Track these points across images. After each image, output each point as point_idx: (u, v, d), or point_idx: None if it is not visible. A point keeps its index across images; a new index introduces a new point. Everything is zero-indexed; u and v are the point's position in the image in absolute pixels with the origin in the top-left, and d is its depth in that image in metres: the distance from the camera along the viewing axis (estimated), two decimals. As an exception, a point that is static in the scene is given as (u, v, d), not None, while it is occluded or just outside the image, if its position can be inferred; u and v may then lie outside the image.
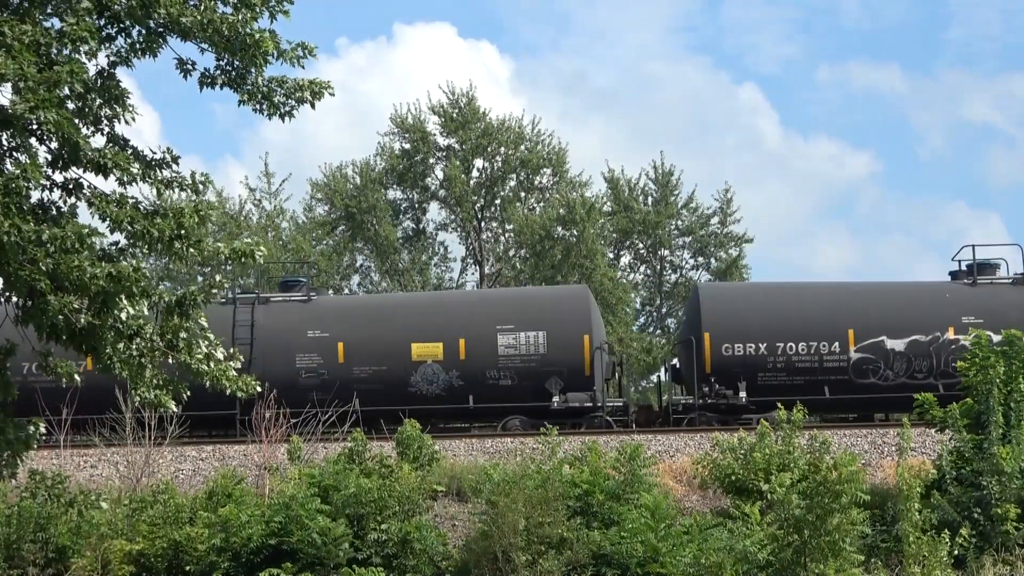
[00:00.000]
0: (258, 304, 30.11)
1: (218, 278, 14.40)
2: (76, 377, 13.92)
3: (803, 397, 24.10)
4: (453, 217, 48.38)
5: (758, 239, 68.11)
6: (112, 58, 13.78)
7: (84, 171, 13.36)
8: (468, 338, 29.31)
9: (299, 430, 23.70)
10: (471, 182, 47.87)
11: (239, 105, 14.04)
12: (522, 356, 29.28)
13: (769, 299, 30.52)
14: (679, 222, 48.65)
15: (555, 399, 28.78)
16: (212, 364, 13.73)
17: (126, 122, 13.70)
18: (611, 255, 48.09)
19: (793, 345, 29.24)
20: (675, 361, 31.43)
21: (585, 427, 27.99)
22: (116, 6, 13.57)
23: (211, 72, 14.00)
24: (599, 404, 28.89)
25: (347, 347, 29.23)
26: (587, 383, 29.07)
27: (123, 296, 12.94)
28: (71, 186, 13.60)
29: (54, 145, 13.27)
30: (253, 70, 13.86)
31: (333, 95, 14.09)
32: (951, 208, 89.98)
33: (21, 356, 14.52)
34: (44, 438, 15.31)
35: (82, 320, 13.03)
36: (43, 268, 12.68)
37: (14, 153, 13.37)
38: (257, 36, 13.67)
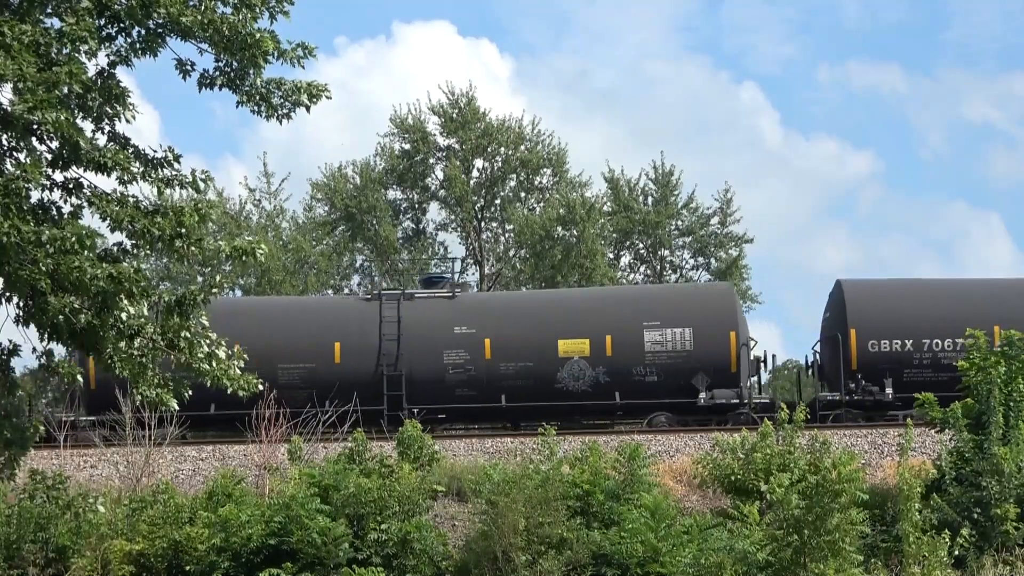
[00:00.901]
0: (403, 300, 30.03)
1: (218, 279, 14.42)
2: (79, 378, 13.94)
3: (949, 394, 24.02)
4: (453, 217, 48.38)
5: (759, 239, 68.03)
6: (112, 58, 13.78)
7: (85, 170, 13.37)
8: (615, 334, 29.28)
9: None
10: (471, 182, 47.86)
11: (237, 106, 14.04)
12: (668, 353, 29.29)
13: (915, 295, 30.40)
14: (679, 222, 48.61)
15: (701, 395, 28.81)
16: (214, 363, 13.72)
17: (127, 121, 13.71)
18: (611, 255, 48.07)
19: (940, 342, 29.14)
20: (815, 358, 31.27)
21: (731, 424, 27.80)
22: (116, 6, 13.56)
23: (210, 73, 14.00)
24: (745, 400, 28.85)
25: (494, 343, 29.21)
26: (733, 379, 29.12)
27: (123, 296, 12.94)
28: (71, 186, 13.60)
29: (55, 145, 13.28)
30: (252, 71, 13.85)
31: (330, 98, 14.09)
32: (951, 208, 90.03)
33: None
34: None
35: (82, 320, 13.03)
36: (43, 268, 12.68)
37: (14, 153, 13.37)
38: (257, 36, 13.67)
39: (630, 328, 29.35)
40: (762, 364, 30.49)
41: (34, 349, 13.81)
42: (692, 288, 31.20)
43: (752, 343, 29.89)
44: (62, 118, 12.73)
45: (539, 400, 28.77)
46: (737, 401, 28.85)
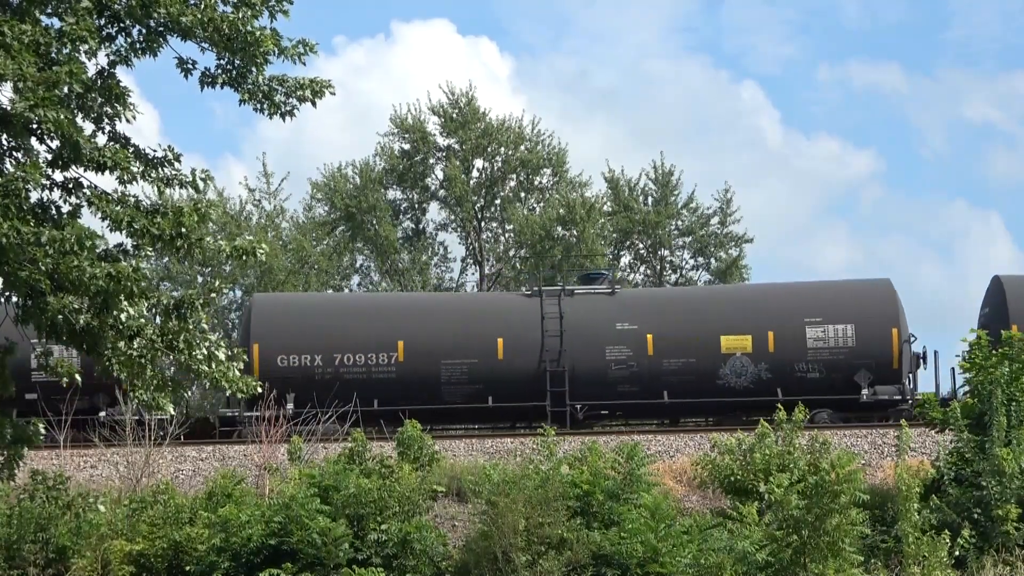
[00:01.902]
0: (564, 296, 30.03)
1: (217, 283, 14.42)
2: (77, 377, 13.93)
3: None
4: (453, 217, 48.37)
5: (759, 238, 67.97)
6: (112, 57, 13.78)
7: (85, 170, 13.37)
8: (777, 331, 29.30)
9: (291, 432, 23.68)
10: (471, 182, 47.86)
11: (240, 104, 14.07)
12: (831, 349, 29.26)
13: None
14: (679, 222, 48.60)
15: (864, 392, 28.82)
16: (213, 365, 13.72)
17: (127, 120, 13.72)
18: (611, 255, 48.06)
19: None
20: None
21: (892, 420, 27.71)
22: (116, 5, 13.58)
23: (211, 71, 14.00)
24: (907, 397, 28.79)
25: (656, 339, 29.21)
26: (895, 376, 29.14)
27: (123, 297, 12.94)
28: (71, 185, 13.60)
29: (55, 144, 13.28)
30: (254, 69, 13.85)
31: (334, 94, 14.11)
32: (951, 207, 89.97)
33: None
34: None
35: (81, 320, 13.03)
36: (43, 268, 12.68)
37: (14, 153, 13.38)
38: (257, 34, 13.67)
39: (792, 324, 29.36)
40: (921, 361, 30.40)
41: (33, 348, 13.81)
42: (853, 284, 31.10)
43: (912, 339, 29.83)
44: (62, 117, 12.74)
45: (700, 396, 28.90)
46: (899, 398, 28.82)
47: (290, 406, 27.02)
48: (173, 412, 14.15)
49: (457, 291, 46.87)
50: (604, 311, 29.74)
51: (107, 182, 13.55)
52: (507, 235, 48.40)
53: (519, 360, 29.05)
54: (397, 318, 29.68)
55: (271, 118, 14.00)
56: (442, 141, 48.03)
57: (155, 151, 13.77)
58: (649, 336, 29.13)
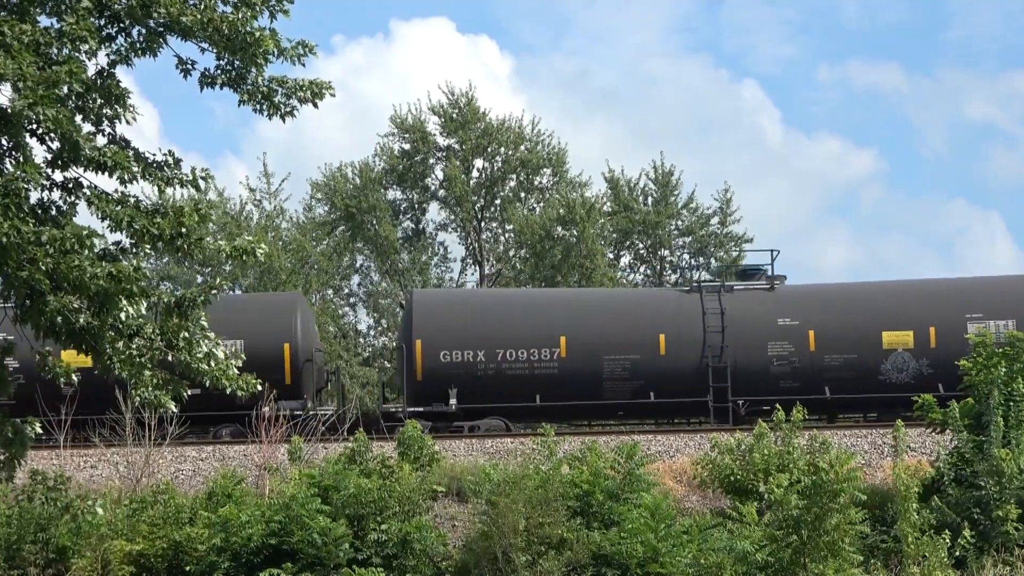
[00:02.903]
0: (724, 292, 30.06)
1: (218, 280, 14.43)
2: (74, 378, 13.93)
3: None
4: (453, 217, 48.38)
5: (760, 238, 67.97)
6: (112, 57, 13.78)
7: (85, 170, 13.37)
8: (938, 326, 29.17)
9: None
10: (471, 182, 47.87)
11: (239, 105, 14.06)
12: None
13: None
14: (679, 222, 48.62)
15: None
16: (212, 363, 13.72)
17: (127, 122, 13.72)
18: (611, 255, 48.06)
19: None
20: None
21: None
22: (116, 5, 13.58)
23: (211, 72, 14.00)
24: None
25: (818, 335, 29.18)
26: None
27: (123, 296, 12.94)
28: (71, 185, 13.60)
29: (55, 145, 13.28)
30: (253, 69, 13.86)
31: (334, 95, 14.10)
32: (952, 206, 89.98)
33: None
34: None
35: (81, 320, 13.03)
36: (43, 268, 12.68)
37: (13, 153, 13.38)
38: (257, 34, 13.67)
39: (953, 320, 29.19)
40: None
41: (31, 348, 13.81)
42: (1014, 280, 31.04)
43: None
44: (60, 115, 12.74)
45: (861, 392, 28.93)
46: None
47: (453, 402, 27.67)
48: (175, 410, 14.12)
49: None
50: (764, 307, 29.80)
51: (107, 182, 13.56)
52: (507, 235, 48.43)
53: (681, 356, 29.10)
54: (559, 313, 29.81)
55: (271, 119, 14.01)
56: (442, 141, 48.09)
57: (155, 155, 13.78)
58: (811, 332, 29.15)
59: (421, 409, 28.37)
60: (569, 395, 28.73)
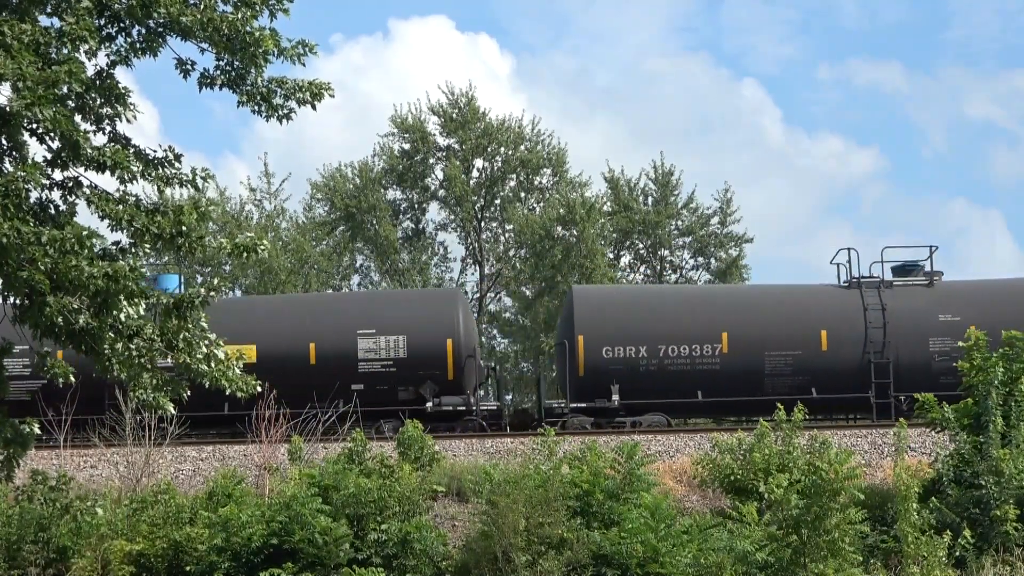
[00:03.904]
0: (883, 288, 30.03)
1: (216, 281, 14.42)
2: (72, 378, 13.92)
3: None
4: (453, 217, 48.39)
5: (761, 237, 67.98)
6: (112, 57, 13.79)
7: (85, 169, 13.38)
8: None
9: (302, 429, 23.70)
10: (471, 182, 47.88)
11: (238, 106, 14.06)
12: None
13: None
14: (679, 222, 48.62)
15: None
16: (212, 364, 13.72)
17: (127, 120, 13.73)
18: (611, 255, 48.06)
19: None
20: None
21: None
22: (116, 5, 13.59)
23: (211, 72, 14.00)
24: None
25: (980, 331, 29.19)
26: None
27: (122, 296, 12.95)
28: (71, 184, 13.61)
29: (55, 144, 13.29)
30: (253, 70, 13.86)
31: (333, 96, 14.11)
32: (952, 205, 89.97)
33: None
34: None
35: (81, 321, 13.03)
36: (42, 268, 12.68)
37: (13, 153, 13.39)
38: (257, 34, 13.68)
39: None
40: None
41: (31, 348, 13.81)
42: None
43: None
44: (59, 115, 12.74)
45: None
46: None
47: (615, 397, 27.78)
48: (173, 411, 14.12)
49: None
50: (925, 303, 29.75)
51: (107, 182, 13.56)
52: (507, 235, 48.44)
53: (843, 352, 29.07)
54: (721, 309, 29.89)
55: (268, 120, 14.01)
56: (442, 141, 48.10)
57: (155, 152, 13.79)
58: (972, 328, 29.22)
59: (584, 405, 28.71)
60: (730, 391, 28.83)
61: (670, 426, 28.25)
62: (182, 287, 30.42)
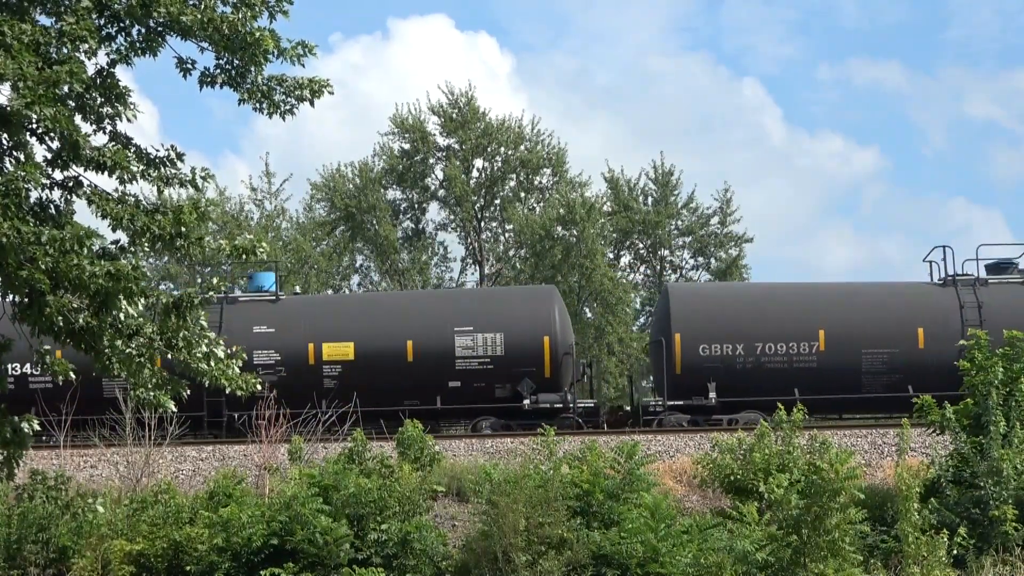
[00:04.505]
0: (978, 286, 29.98)
1: (215, 280, 14.41)
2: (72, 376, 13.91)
3: None
4: (453, 217, 48.38)
5: (762, 237, 67.96)
6: (112, 57, 13.78)
7: (85, 169, 13.37)
8: None
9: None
10: (471, 182, 47.87)
11: (239, 104, 14.06)
12: None
13: None
14: (679, 222, 48.64)
15: None
16: (212, 363, 13.70)
17: (127, 120, 13.72)
18: (611, 255, 48.08)
19: None
20: None
21: None
22: (116, 5, 13.58)
23: (211, 71, 14.00)
24: None
25: None
26: None
27: (122, 296, 12.94)
28: (71, 184, 13.60)
29: (55, 144, 13.28)
30: (253, 69, 13.86)
31: (332, 93, 14.11)
32: (953, 205, 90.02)
33: None
34: None
35: (80, 319, 13.02)
36: (42, 267, 12.67)
37: (13, 152, 13.38)
38: (257, 35, 13.68)
39: None
40: None
41: (30, 346, 13.79)
42: None
43: None
44: (59, 115, 12.74)
45: None
46: None
47: (712, 395, 27.92)
48: (174, 410, 14.09)
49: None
50: (1021, 301, 29.63)
51: (107, 182, 13.55)
52: (507, 235, 48.44)
53: (939, 350, 28.82)
54: (817, 306, 29.88)
55: (270, 117, 14.01)
56: (442, 141, 48.11)
57: (157, 151, 13.78)
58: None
59: (681, 403, 28.81)
60: (827, 389, 28.81)
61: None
62: (277, 285, 31.19)
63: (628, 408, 32.40)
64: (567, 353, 29.51)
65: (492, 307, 30.18)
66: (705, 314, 29.66)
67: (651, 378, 32.03)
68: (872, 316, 29.51)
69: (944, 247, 30.65)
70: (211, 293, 14.02)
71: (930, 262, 30.80)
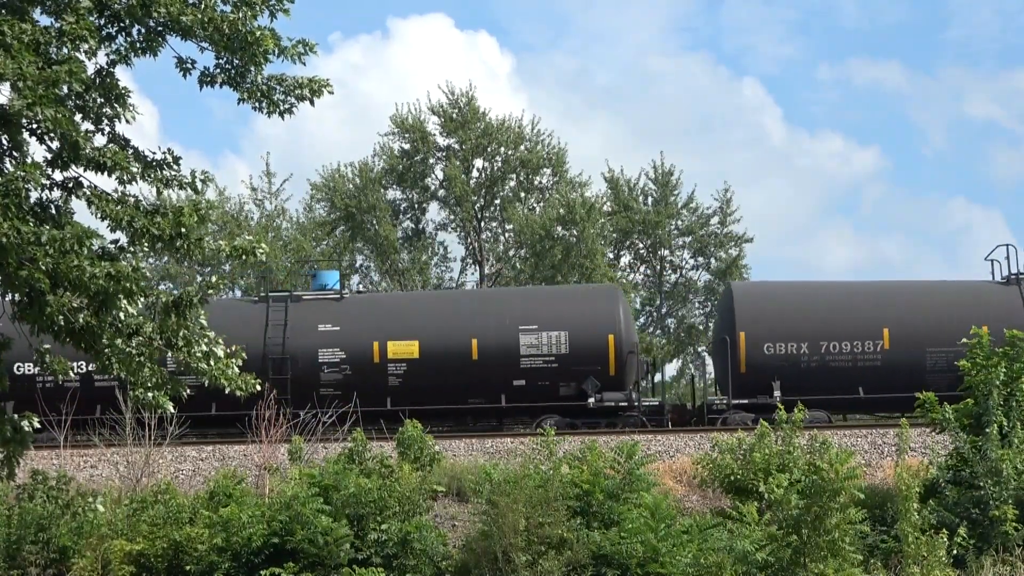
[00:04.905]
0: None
1: (214, 279, 14.41)
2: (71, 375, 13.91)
3: None
4: (453, 217, 48.38)
5: (762, 237, 67.95)
6: (112, 57, 13.78)
7: (84, 170, 13.37)
8: None
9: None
10: (471, 182, 47.87)
11: (239, 103, 14.07)
12: None
13: None
14: (679, 222, 48.63)
15: None
16: (212, 362, 13.70)
17: (127, 121, 13.72)
18: (611, 255, 48.06)
19: None
20: None
21: None
22: (116, 5, 13.58)
23: (211, 71, 14.00)
24: None
25: None
26: None
27: (122, 295, 12.94)
28: (71, 185, 13.60)
29: (55, 144, 13.28)
30: (253, 68, 13.86)
31: (332, 93, 14.11)
32: (953, 205, 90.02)
33: None
34: None
35: (80, 319, 13.02)
36: (43, 267, 12.67)
37: (13, 153, 13.38)
38: (257, 34, 13.68)
39: None
40: None
41: (30, 345, 13.79)
42: None
43: None
44: (59, 115, 12.74)
45: None
46: None
47: (777, 394, 27.99)
48: (174, 410, 14.08)
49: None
50: None
51: (107, 182, 13.56)
52: (507, 235, 48.42)
53: None
54: (882, 305, 29.98)
55: (270, 116, 14.02)
56: (442, 141, 48.09)
57: (154, 153, 13.78)
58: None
59: (745, 401, 28.94)
60: (891, 387, 28.89)
61: (830, 423, 28.28)
62: (340, 283, 31.41)
63: (690, 407, 32.54)
64: (631, 352, 29.64)
65: (557, 305, 30.30)
66: (770, 313, 29.83)
67: (712, 376, 32.04)
68: (936, 315, 29.55)
69: (1007, 246, 30.72)
70: (211, 292, 14.01)
71: (992, 260, 30.85)
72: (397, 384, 29.12)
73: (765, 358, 29.16)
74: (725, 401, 29.38)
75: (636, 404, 28.98)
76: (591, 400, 28.73)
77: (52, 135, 13.11)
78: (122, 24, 13.83)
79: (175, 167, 13.81)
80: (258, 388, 14.06)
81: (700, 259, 48.85)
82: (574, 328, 29.28)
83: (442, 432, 28.40)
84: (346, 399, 27.74)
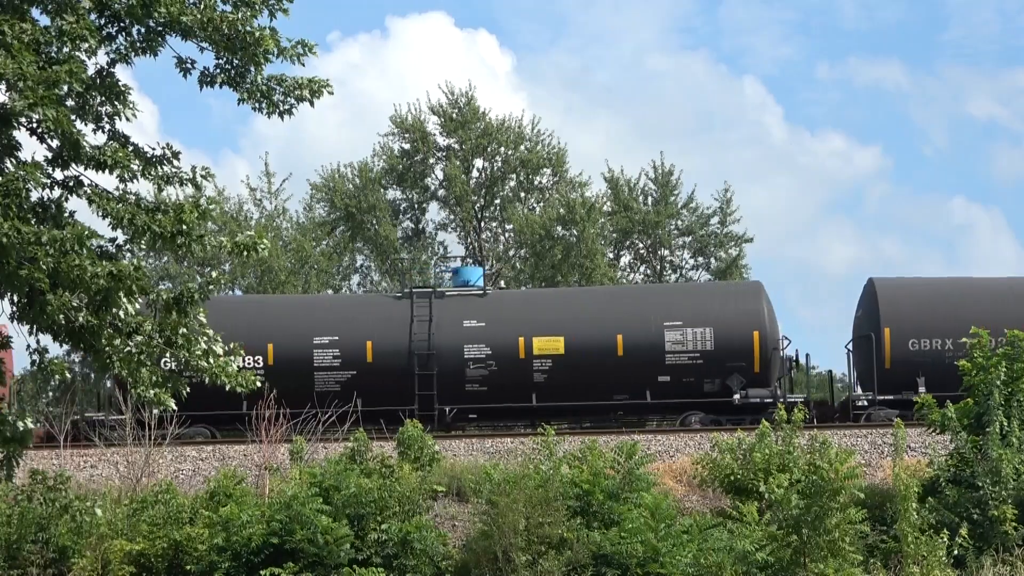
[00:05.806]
0: None
1: (214, 275, 14.38)
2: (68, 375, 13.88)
3: None
4: (453, 217, 48.37)
5: (763, 236, 67.90)
6: (112, 56, 13.77)
7: (85, 168, 13.36)
8: None
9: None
10: (471, 182, 47.86)
11: (238, 104, 14.04)
12: None
13: None
14: (679, 222, 48.61)
15: None
16: (211, 360, 13.67)
17: (127, 119, 13.70)
18: (611, 255, 48.05)
19: None
20: None
21: None
22: (116, 5, 13.56)
23: (211, 71, 13.99)
24: None
25: None
26: None
27: (122, 294, 12.92)
28: (71, 183, 13.59)
29: (55, 143, 13.27)
30: (253, 68, 13.84)
31: (332, 93, 14.08)
32: (954, 204, 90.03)
33: None
34: None
35: (81, 319, 13.01)
36: (43, 267, 12.66)
37: (14, 152, 13.37)
38: (257, 34, 13.66)
39: None
40: None
41: (28, 346, 13.77)
42: None
43: None
44: (60, 116, 12.73)
45: None
46: None
47: (922, 390, 27.42)
48: (175, 408, 14.05)
49: None
50: None
51: (107, 180, 13.54)
52: (507, 235, 48.42)
53: None
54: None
55: (269, 117, 14.00)
56: (442, 141, 48.08)
57: (154, 149, 13.77)
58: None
59: (890, 397, 28.89)
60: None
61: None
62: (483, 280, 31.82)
63: (831, 403, 32.41)
64: (775, 348, 29.62)
65: (701, 302, 30.30)
66: (914, 309, 29.82)
67: (854, 373, 31.88)
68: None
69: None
70: (211, 289, 13.99)
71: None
72: (542, 380, 29.14)
73: (910, 354, 29.17)
74: (869, 397, 29.34)
75: (782, 400, 28.61)
76: (736, 396, 28.75)
77: (52, 135, 13.10)
78: (122, 24, 13.82)
79: (175, 162, 13.79)
80: (258, 385, 14.04)
81: (700, 259, 48.83)
82: (719, 324, 29.30)
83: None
84: (491, 395, 28.08)
